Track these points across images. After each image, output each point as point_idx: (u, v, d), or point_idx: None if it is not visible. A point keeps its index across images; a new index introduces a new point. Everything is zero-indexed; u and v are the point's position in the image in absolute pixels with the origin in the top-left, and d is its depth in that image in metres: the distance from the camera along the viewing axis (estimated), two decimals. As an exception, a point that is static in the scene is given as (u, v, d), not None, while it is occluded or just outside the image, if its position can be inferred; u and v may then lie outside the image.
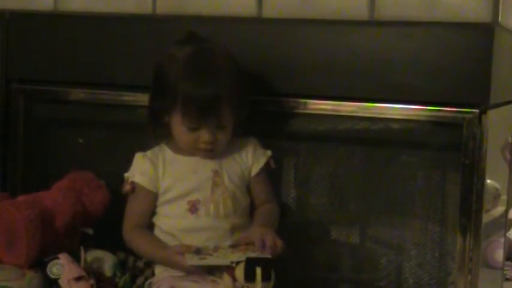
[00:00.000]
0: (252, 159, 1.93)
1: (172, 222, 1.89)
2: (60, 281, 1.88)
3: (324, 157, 2.05)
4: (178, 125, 1.85)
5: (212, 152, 1.88)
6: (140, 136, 2.00)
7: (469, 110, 1.83)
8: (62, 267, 1.89)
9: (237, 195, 1.90)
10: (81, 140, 2.21)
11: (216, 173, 1.89)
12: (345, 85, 1.92)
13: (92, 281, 1.88)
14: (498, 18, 1.89)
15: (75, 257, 1.91)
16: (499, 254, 2.08)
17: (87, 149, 2.21)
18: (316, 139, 2.05)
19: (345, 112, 1.95)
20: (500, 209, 2.06)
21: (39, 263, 1.91)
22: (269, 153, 1.94)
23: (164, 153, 1.92)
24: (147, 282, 1.90)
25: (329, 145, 2.04)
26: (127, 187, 1.92)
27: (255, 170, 1.93)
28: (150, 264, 1.95)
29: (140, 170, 1.91)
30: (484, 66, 1.81)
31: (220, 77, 1.83)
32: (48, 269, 1.90)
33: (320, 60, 1.93)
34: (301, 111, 1.97)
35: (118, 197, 1.99)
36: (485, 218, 1.88)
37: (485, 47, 1.81)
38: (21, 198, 1.99)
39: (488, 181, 1.88)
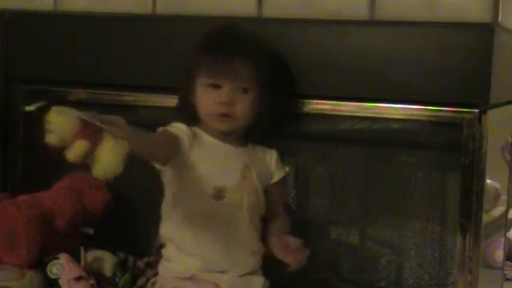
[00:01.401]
0: (275, 166, 1.92)
1: (193, 205, 1.83)
2: (60, 281, 1.89)
3: (324, 157, 2.05)
4: (201, 88, 1.83)
5: (230, 120, 1.82)
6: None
7: (469, 110, 1.83)
8: (62, 267, 1.89)
9: (260, 194, 1.87)
10: (81, 140, 2.20)
11: (246, 166, 1.86)
12: (345, 85, 1.92)
13: (92, 281, 1.89)
14: (498, 18, 1.89)
15: (75, 257, 1.92)
16: (499, 254, 2.08)
17: (87, 149, 2.20)
18: (316, 139, 2.05)
19: (345, 112, 1.95)
20: (500, 209, 2.06)
21: (39, 263, 1.91)
22: (287, 168, 1.95)
23: (198, 131, 1.85)
24: (150, 281, 1.89)
25: (329, 145, 2.04)
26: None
27: (276, 177, 1.92)
28: (150, 264, 1.95)
29: (176, 125, 1.83)
30: (484, 66, 1.81)
31: (244, 42, 1.84)
32: (48, 269, 1.90)
33: (320, 60, 1.93)
34: (301, 111, 1.97)
35: (118, 197, 1.99)
36: (485, 218, 1.88)
37: (485, 47, 1.81)
38: (21, 198, 1.99)
39: (488, 181, 1.88)
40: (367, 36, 1.91)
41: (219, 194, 1.81)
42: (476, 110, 1.83)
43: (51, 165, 2.21)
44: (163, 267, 1.89)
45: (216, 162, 1.84)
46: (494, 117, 1.86)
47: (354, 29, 1.93)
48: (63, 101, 2.16)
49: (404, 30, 1.89)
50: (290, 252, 1.79)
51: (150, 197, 2.14)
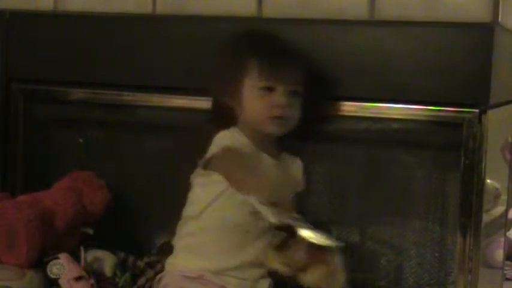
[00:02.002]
0: (301, 176, 1.92)
1: (228, 215, 1.81)
2: (60, 281, 1.89)
3: (324, 157, 2.05)
4: (251, 91, 1.81)
5: (284, 123, 1.81)
6: (140, 136, 2.01)
7: (469, 109, 1.83)
8: (62, 267, 1.89)
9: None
10: (81, 140, 2.21)
11: (283, 178, 1.86)
12: (345, 85, 1.92)
13: (92, 281, 1.89)
14: (498, 18, 1.89)
15: (75, 257, 1.91)
16: (499, 254, 2.08)
17: (87, 149, 2.21)
18: (316, 139, 2.05)
19: (345, 112, 1.95)
20: (500, 209, 2.06)
21: (39, 263, 1.91)
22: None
23: (241, 138, 1.83)
24: (158, 276, 1.87)
25: (329, 145, 2.04)
26: (221, 151, 1.80)
27: (300, 188, 1.93)
28: (150, 264, 1.95)
29: (232, 140, 1.82)
30: (484, 66, 1.81)
31: (291, 44, 1.85)
32: (48, 269, 1.90)
33: (320, 60, 1.92)
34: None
35: (118, 197, 1.99)
36: (485, 217, 1.88)
37: (485, 47, 1.81)
38: (21, 198, 1.99)
39: (488, 181, 1.88)
40: (367, 36, 1.91)
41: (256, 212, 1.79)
42: (476, 110, 1.83)
43: (51, 165, 2.22)
44: (170, 265, 1.87)
45: (259, 174, 1.80)
46: (494, 117, 1.86)
47: (354, 29, 1.93)
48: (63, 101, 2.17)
49: (404, 30, 1.89)
50: None
51: (150, 197, 2.15)
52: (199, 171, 1.85)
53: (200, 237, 1.83)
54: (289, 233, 1.63)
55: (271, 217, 1.62)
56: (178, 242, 1.88)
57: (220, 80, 1.85)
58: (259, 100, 1.80)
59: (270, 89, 1.79)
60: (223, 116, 1.85)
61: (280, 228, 1.63)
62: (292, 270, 1.65)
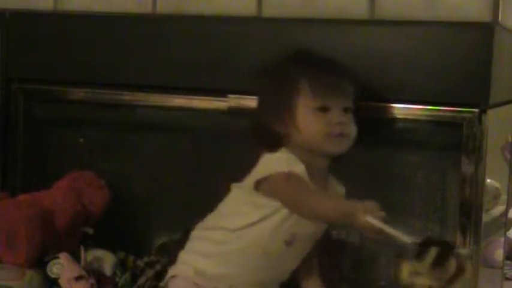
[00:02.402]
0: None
1: (262, 242, 1.76)
2: (60, 281, 1.89)
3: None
4: (305, 112, 1.75)
5: (345, 141, 1.77)
6: (140, 136, 2.01)
7: (469, 109, 1.83)
8: (62, 267, 1.89)
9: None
10: (81, 140, 2.21)
11: None
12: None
13: (92, 281, 1.89)
14: (498, 18, 1.89)
15: (75, 257, 1.92)
16: (499, 254, 2.08)
17: (87, 149, 2.21)
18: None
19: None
20: (500, 209, 2.06)
21: (39, 263, 1.91)
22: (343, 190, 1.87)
23: (298, 162, 1.76)
24: (170, 273, 1.82)
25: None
26: (283, 176, 1.73)
27: None
28: (150, 263, 1.95)
29: (294, 164, 1.74)
30: (484, 66, 1.81)
31: (340, 62, 1.82)
32: (48, 269, 1.90)
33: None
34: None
35: (118, 197, 1.99)
36: (485, 217, 1.88)
37: (485, 47, 1.81)
38: (21, 197, 2.00)
39: (488, 181, 1.88)
40: (367, 36, 1.91)
41: (290, 241, 1.77)
42: (476, 110, 1.83)
43: (51, 165, 2.22)
44: (183, 264, 1.81)
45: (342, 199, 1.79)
46: (494, 117, 1.86)
47: (354, 28, 1.93)
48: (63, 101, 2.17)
49: (404, 30, 1.89)
50: None
51: (150, 197, 2.15)
52: (246, 188, 1.78)
53: (227, 250, 1.78)
54: (434, 247, 1.60)
55: (406, 238, 1.60)
56: (199, 244, 1.82)
57: (269, 103, 1.81)
58: (316, 121, 1.75)
59: (324, 109, 1.75)
60: (268, 137, 1.79)
61: (424, 245, 1.60)
62: (444, 284, 1.63)
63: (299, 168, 1.72)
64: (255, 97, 1.95)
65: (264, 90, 1.83)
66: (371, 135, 1.96)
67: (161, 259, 1.99)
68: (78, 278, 1.88)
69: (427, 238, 1.61)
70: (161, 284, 1.86)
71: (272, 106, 1.79)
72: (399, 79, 1.87)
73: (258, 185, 1.75)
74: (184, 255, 1.82)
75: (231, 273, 1.77)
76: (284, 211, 1.74)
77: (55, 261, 1.90)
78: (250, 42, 1.98)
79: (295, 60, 1.80)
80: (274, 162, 1.76)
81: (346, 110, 1.77)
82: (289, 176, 1.72)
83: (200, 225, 1.85)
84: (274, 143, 1.78)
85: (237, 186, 1.83)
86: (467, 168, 1.84)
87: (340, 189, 1.85)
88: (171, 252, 1.91)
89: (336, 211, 1.68)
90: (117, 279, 1.96)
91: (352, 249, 2.04)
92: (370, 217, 1.58)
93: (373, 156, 2.01)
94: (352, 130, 1.77)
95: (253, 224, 1.76)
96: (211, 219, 1.84)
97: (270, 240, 1.75)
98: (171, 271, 1.82)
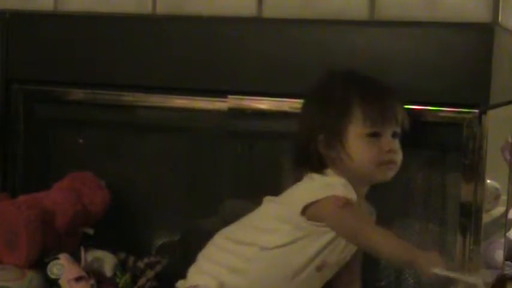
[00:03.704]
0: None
1: (295, 265, 1.73)
2: (60, 281, 1.89)
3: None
4: (357, 138, 1.72)
5: (393, 168, 1.75)
6: (140, 136, 2.00)
7: (469, 110, 1.83)
8: (62, 268, 1.89)
9: None
10: (81, 140, 2.21)
11: None
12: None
13: (92, 281, 1.89)
14: (498, 18, 1.89)
15: (76, 257, 1.92)
16: (499, 254, 2.08)
17: (87, 149, 2.21)
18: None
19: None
20: (500, 209, 2.06)
21: (39, 263, 1.91)
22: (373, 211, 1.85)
23: (351, 188, 1.73)
24: (190, 280, 1.79)
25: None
26: (340, 202, 1.69)
27: None
28: (151, 264, 1.95)
29: (350, 191, 1.71)
30: (484, 66, 1.81)
31: (391, 88, 1.78)
32: (48, 269, 1.90)
33: (320, 60, 1.92)
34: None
35: (118, 198, 1.98)
36: (485, 218, 1.88)
37: (485, 47, 1.81)
38: (21, 198, 2.00)
39: (488, 181, 1.88)
40: (367, 36, 1.91)
41: (320, 267, 1.74)
42: (476, 110, 1.83)
43: (51, 165, 2.22)
44: (208, 282, 1.76)
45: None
46: (494, 117, 1.86)
47: (354, 29, 1.93)
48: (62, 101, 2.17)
49: (404, 30, 1.89)
50: None
51: (150, 197, 2.15)
52: (288, 207, 1.74)
53: (256, 268, 1.74)
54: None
55: (475, 279, 1.58)
56: (225, 256, 1.77)
57: (318, 125, 1.75)
58: (368, 147, 1.72)
59: (376, 135, 1.72)
60: (313, 159, 1.76)
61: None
62: None
63: (354, 197, 1.70)
64: (255, 97, 1.96)
65: (312, 111, 1.79)
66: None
67: (161, 260, 1.99)
68: (78, 279, 1.88)
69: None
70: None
71: (320, 128, 1.75)
72: (399, 80, 1.86)
73: (306, 209, 1.71)
74: (207, 265, 1.78)
75: None
76: (324, 237, 1.71)
77: (55, 261, 1.90)
78: (251, 42, 1.98)
79: (346, 83, 1.77)
80: (327, 186, 1.72)
81: (394, 135, 1.75)
82: (346, 203, 1.68)
83: (227, 234, 1.80)
84: (319, 165, 1.75)
85: (273, 201, 1.80)
86: (467, 168, 1.84)
87: (371, 211, 1.83)
88: (172, 253, 1.91)
89: (399, 255, 1.63)
90: (117, 280, 1.96)
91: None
92: (435, 269, 1.55)
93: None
94: (400, 157, 1.75)
95: (287, 244, 1.72)
96: (241, 231, 1.79)
97: (302, 264, 1.72)
98: (193, 278, 1.78)
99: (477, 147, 1.83)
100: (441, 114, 1.86)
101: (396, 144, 1.74)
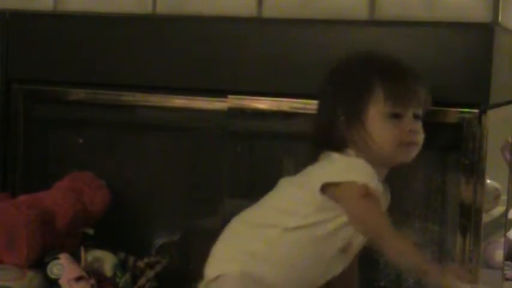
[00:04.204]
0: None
1: (319, 246, 1.69)
2: (60, 281, 1.89)
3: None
4: (378, 118, 1.69)
5: (414, 148, 1.72)
6: (140, 136, 2.00)
7: (469, 110, 1.83)
8: (62, 268, 1.89)
9: None
10: (81, 140, 2.21)
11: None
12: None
13: (92, 281, 1.89)
14: (498, 18, 1.89)
15: (76, 257, 1.92)
16: (499, 254, 2.08)
17: (87, 149, 2.21)
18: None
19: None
20: (500, 209, 2.06)
21: (39, 263, 1.91)
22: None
23: (371, 169, 1.70)
24: (210, 272, 1.72)
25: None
26: (361, 190, 1.66)
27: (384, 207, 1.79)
28: (151, 264, 1.95)
29: (372, 177, 1.68)
30: (484, 66, 1.81)
31: (414, 68, 1.76)
32: (48, 269, 1.90)
33: (320, 60, 1.92)
34: (301, 111, 1.97)
35: (118, 197, 1.98)
36: (485, 218, 1.88)
37: (485, 47, 1.81)
38: (21, 198, 2.00)
39: (488, 181, 1.88)
40: (367, 36, 1.91)
41: (345, 249, 1.71)
42: (476, 110, 1.83)
43: (51, 165, 2.22)
44: (232, 269, 1.70)
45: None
46: (494, 117, 1.86)
47: (354, 29, 1.93)
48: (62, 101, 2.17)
49: (404, 30, 1.89)
50: None
51: (150, 197, 2.15)
52: (309, 188, 1.70)
53: (280, 251, 1.70)
54: None
55: None
56: (247, 242, 1.71)
57: (339, 105, 1.72)
58: (389, 128, 1.70)
59: (397, 116, 1.70)
60: (333, 140, 1.73)
61: None
62: None
63: (375, 184, 1.67)
64: (255, 97, 1.96)
65: (334, 90, 1.75)
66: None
67: (161, 260, 1.99)
68: (79, 279, 1.88)
69: None
70: (203, 284, 1.74)
71: (341, 109, 1.72)
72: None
73: (325, 188, 1.68)
74: (227, 252, 1.73)
75: (280, 277, 1.69)
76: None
77: (55, 261, 1.90)
78: (251, 42, 1.98)
79: (369, 63, 1.74)
80: (351, 170, 1.70)
81: (416, 116, 1.72)
82: (367, 192, 1.66)
83: (245, 218, 1.76)
84: (339, 145, 1.73)
85: (291, 181, 1.76)
86: (467, 168, 1.84)
87: (388, 193, 1.80)
88: (171, 253, 1.91)
89: (412, 264, 1.62)
90: (118, 280, 1.96)
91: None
92: (459, 283, 1.53)
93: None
94: (422, 138, 1.73)
95: (311, 225, 1.68)
96: (260, 214, 1.75)
97: (326, 245, 1.69)
98: (213, 268, 1.72)
99: (477, 147, 1.83)
100: (441, 114, 1.86)
101: (418, 125, 1.72)
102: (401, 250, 1.63)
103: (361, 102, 1.70)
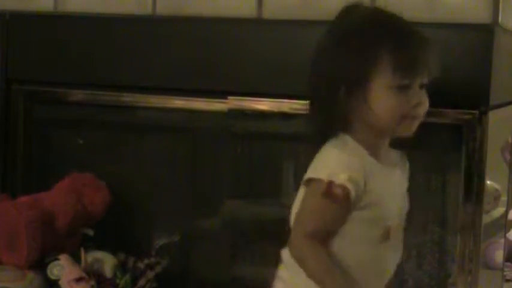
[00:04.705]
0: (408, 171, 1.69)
1: (360, 250, 1.55)
2: (60, 282, 1.89)
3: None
4: (383, 91, 1.52)
5: (416, 122, 1.56)
6: (140, 137, 2.00)
7: (469, 111, 1.83)
8: (62, 268, 1.90)
9: None
10: (81, 141, 2.21)
11: (400, 183, 1.64)
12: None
13: (92, 282, 1.89)
14: (498, 18, 1.89)
15: (76, 258, 1.92)
16: (499, 255, 2.08)
17: (87, 150, 2.21)
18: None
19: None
20: (500, 210, 2.06)
21: (39, 264, 1.92)
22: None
23: (362, 154, 1.55)
24: None
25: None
26: (338, 191, 1.50)
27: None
28: (151, 265, 1.95)
29: (349, 173, 1.51)
30: (484, 67, 1.80)
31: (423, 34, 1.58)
32: (48, 270, 1.91)
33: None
34: (301, 112, 1.97)
35: (118, 198, 1.98)
36: (485, 218, 1.88)
37: (485, 48, 1.81)
38: (21, 199, 2.00)
39: (488, 182, 1.88)
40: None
41: (386, 235, 1.57)
42: (477, 111, 1.83)
43: (51, 165, 2.22)
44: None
45: (387, 195, 1.56)
46: (494, 118, 1.86)
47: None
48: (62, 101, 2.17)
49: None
50: None
51: (150, 198, 2.15)
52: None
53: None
54: None
55: None
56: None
57: (339, 74, 1.54)
58: (394, 100, 1.53)
59: (404, 87, 1.53)
60: (334, 123, 1.58)
61: None
62: None
63: (355, 176, 1.51)
64: (255, 98, 1.96)
65: (331, 58, 1.57)
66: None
67: (161, 261, 2.00)
68: (79, 280, 1.88)
69: None
70: None
71: (341, 79, 1.54)
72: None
73: (309, 182, 1.55)
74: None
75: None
76: (370, 199, 1.53)
77: (55, 262, 1.91)
78: (251, 43, 1.98)
79: (374, 28, 1.56)
80: (328, 161, 1.55)
81: (421, 86, 1.56)
82: (330, 192, 1.51)
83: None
84: (337, 125, 1.57)
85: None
86: (467, 169, 1.84)
87: (401, 160, 1.68)
88: (171, 253, 1.91)
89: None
90: (118, 280, 1.96)
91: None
92: None
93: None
94: (426, 109, 1.57)
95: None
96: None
97: (363, 241, 1.55)
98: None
99: (477, 148, 1.83)
100: (441, 115, 1.86)
101: (424, 96, 1.56)
102: (315, 266, 1.51)
103: (364, 72, 1.53)
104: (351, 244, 1.54)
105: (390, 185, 1.58)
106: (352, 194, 1.50)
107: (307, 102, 1.65)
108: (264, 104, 1.99)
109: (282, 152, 2.03)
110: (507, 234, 2.21)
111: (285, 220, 1.98)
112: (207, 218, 2.07)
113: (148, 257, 2.02)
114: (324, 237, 1.52)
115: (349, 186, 1.50)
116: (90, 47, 2.11)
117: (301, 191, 1.59)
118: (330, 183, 1.50)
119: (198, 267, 2.08)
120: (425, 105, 1.57)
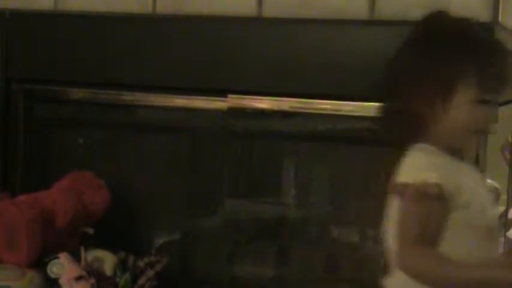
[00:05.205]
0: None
1: (464, 250, 1.52)
2: (60, 281, 1.89)
3: (324, 157, 2.05)
4: (467, 103, 1.52)
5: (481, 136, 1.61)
6: (140, 136, 2.00)
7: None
8: (62, 267, 1.89)
9: None
10: (81, 140, 2.21)
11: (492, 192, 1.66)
12: (345, 85, 1.92)
13: (92, 281, 1.89)
14: (498, 18, 1.89)
15: (76, 257, 1.92)
16: (499, 254, 2.08)
17: (87, 149, 2.21)
18: (316, 139, 2.05)
19: (345, 112, 1.95)
20: (500, 209, 2.06)
21: (39, 263, 1.92)
22: None
23: (445, 156, 1.56)
24: None
25: (329, 145, 2.04)
26: (432, 189, 1.49)
27: None
28: (151, 264, 1.95)
29: (440, 172, 1.51)
30: (484, 67, 1.80)
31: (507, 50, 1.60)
32: (48, 269, 1.90)
33: (320, 60, 1.93)
34: (301, 110, 1.97)
35: (118, 197, 1.98)
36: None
37: (485, 47, 1.81)
38: (21, 198, 2.00)
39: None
40: (367, 36, 1.91)
41: (489, 233, 1.57)
42: (476, 111, 1.82)
43: (51, 165, 2.22)
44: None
45: (480, 193, 1.57)
46: (494, 117, 1.86)
47: (354, 29, 1.93)
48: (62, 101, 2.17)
49: (404, 30, 1.88)
50: None
51: (150, 197, 2.15)
52: None
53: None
54: None
55: None
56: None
57: (425, 86, 1.55)
58: (477, 113, 1.54)
59: (485, 102, 1.54)
60: (413, 125, 1.58)
61: None
62: None
63: (446, 174, 1.51)
64: (255, 97, 1.96)
65: (418, 67, 1.58)
66: (372, 135, 1.96)
67: (161, 259, 1.99)
68: (78, 278, 1.88)
69: None
70: None
71: (427, 90, 1.55)
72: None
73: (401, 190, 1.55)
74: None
75: None
76: (461, 200, 1.52)
77: (55, 261, 1.91)
78: (251, 42, 1.98)
79: (463, 41, 1.57)
80: (417, 164, 1.55)
81: (498, 102, 1.60)
82: (423, 194, 1.50)
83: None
84: (418, 133, 1.57)
85: None
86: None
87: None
88: (171, 252, 1.91)
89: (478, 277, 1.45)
90: (118, 279, 1.96)
91: (353, 249, 2.04)
92: None
93: (373, 156, 2.01)
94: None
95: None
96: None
97: (465, 243, 1.54)
98: None
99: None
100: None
101: (497, 111, 1.60)
102: (420, 269, 1.49)
103: (449, 85, 1.53)
104: (460, 248, 1.52)
105: (478, 184, 1.59)
106: (446, 190, 1.49)
107: (379, 105, 1.66)
108: (264, 103, 1.99)
109: (282, 150, 2.03)
110: (507, 233, 2.21)
111: (284, 219, 1.98)
112: (207, 217, 2.08)
113: (148, 255, 2.02)
114: (430, 242, 1.50)
115: (442, 182, 1.49)
116: (90, 46, 2.11)
117: (394, 200, 1.58)
118: (424, 184, 1.49)
119: (198, 266, 2.08)
120: (496, 122, 1.60)
